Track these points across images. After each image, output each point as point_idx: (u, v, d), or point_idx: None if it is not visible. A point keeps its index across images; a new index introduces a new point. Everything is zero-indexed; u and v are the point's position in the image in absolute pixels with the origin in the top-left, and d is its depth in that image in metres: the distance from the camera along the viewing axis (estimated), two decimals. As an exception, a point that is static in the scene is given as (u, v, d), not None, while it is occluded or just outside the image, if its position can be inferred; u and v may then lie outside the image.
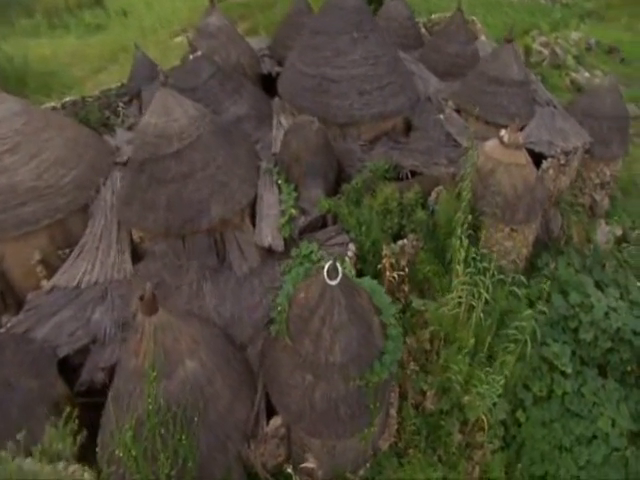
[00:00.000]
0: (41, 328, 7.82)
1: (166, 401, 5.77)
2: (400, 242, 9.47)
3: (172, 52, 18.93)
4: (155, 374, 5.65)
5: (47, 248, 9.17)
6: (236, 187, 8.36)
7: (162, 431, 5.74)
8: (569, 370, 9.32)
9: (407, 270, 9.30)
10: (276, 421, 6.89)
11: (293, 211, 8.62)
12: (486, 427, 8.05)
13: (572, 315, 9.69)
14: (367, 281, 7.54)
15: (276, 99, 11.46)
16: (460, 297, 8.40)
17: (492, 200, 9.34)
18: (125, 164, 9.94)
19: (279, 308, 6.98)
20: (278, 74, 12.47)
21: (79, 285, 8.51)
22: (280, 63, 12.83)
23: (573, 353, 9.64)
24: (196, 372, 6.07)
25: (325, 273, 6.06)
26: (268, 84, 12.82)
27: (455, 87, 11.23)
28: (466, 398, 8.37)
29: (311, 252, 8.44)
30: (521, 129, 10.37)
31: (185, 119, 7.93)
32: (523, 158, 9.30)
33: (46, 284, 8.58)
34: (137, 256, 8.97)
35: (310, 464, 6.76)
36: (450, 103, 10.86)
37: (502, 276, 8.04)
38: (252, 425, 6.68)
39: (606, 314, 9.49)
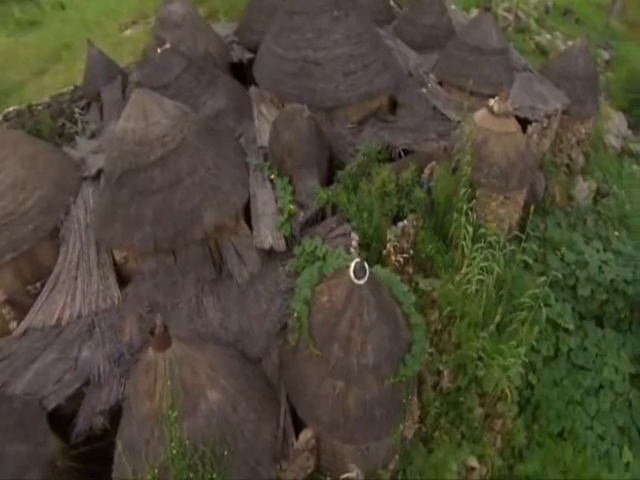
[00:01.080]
0: (20, 380, 6.54)
1: (191, 441, 4.95)
2: (401, 224, 8.91)
3: (123, 47, 16.89)
4: (176, 414, 4.77)
5: (13, 286, 7.68)
6: (229, 189, 7.33)
7: (190, 475, 4.92)
8: (572, 327, 9.29)
9: (411, 251, 8.81)
10: (307, 434, 6.23)
11: (292, 207, 7.77)
12: (510, 396, 7.84)
13: (569, 273, 9.59)
14: (381, 272, 6.92)
15: (252, 88, 10.34)
16: (470, 273, 8.03)
17: (488, 171, 8.89)
18: (95, 177, 8.59)
19: (296, 315, 6.30)
20: (250, 61, 11.26)
21: (59, 322, 7.14)
22: (250, 49, 11.51)
23: (572, 309, 9.62)
24: (220, 403, 5.29)
25: (352, 273, 5.41)
26: (239, 73, 11.56)
27: (434, 59, 10.52)
28: (483, 372, 8.13)
29: (315, 248, 7.67)
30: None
31: (166, 121, 6.76)
32: (513, 126, 8.84)
33: (17, 327, 7.29)
34: (122, 280, 7.66)
35: (353, 474, 6.25)
36: (432, 76, 10.17)
37: (513, 247, 7.67)
38: (280, 444, 6.00)
39: (600, 268, 9.45)
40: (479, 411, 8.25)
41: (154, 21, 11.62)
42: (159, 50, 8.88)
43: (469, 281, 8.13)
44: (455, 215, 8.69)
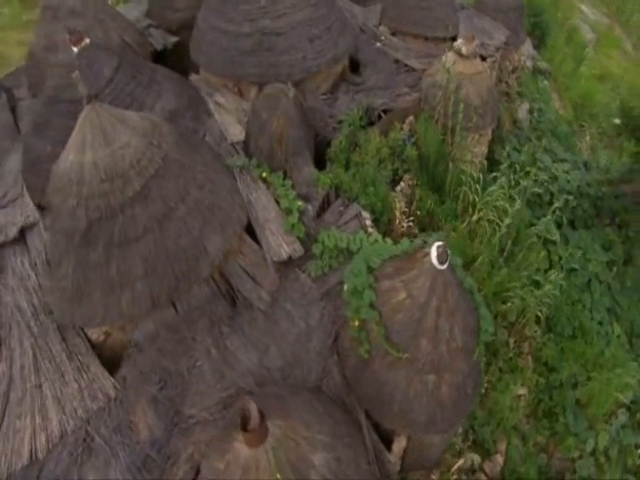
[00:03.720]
0: None
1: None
2: (399, 187, 7.79)
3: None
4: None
5: None
6: (228, 203, 5.37)
7: None
8: (557, 238, 9.21)
9: (416, 212, 7.80)
10: (401, 443, 5.23)
11: (300, 204, 6.13)
12: (543, 319, 7.52)
13: (544, 191, 9.38)
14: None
15: (193, 77, 8.01)
16: (483, 217, 7.28)
17: (465, 113, 7.95)
18: (19, 240, 5.99)
19: (357, 324, 5.05)
20: (177, 46, 8.71)
21: (34, 457, 4.56)
22: (172, 31, 8.83)
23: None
24: (325, 462, 3.92)
25: (435, 259, 4.33)
26: (168, 61, 8.96)
27: (377, 11, 8.97)
28: (504, 306, 7.69)
29: (337, 240, 6.29)
30: (454, 38, 8.86)
31: (137, 140, 4.53)
32: (480, 65, 7.87)
33: None
34: (109, 363, 5.27)
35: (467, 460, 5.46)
36: (382, 28, 8.68)
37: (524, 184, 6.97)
38: (376, 467, 4.92)
39: (567, 180, 9.34)
40: (511, 341, 7.95)
41: (39, 12, 8.24)
42: (75, 49, 6.06)
43: (480, 225, 7.44)
44: (450, 164, 7.77)
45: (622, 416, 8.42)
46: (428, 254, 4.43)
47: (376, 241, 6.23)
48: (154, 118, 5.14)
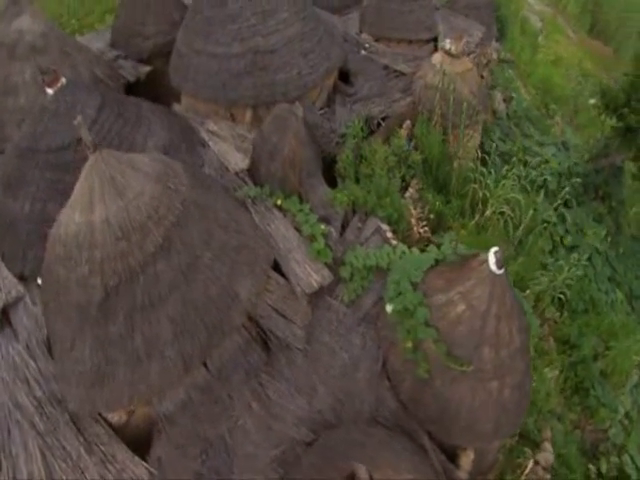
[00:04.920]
0: None
1: None
2: (408, 193, 7.32)
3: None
4: None
5: None
6: (253, 241, 4.67)
7: None
8: (555, 219, 9.08)
9: (429, 216, 7.36)
10: (469, 456, 4.75)
11: (322, 227, 5.51)
12: (562, 300, 7.27)
13: (537, 175, 9.22)
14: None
15: (177, 106, 7.20)
16: (495, 211, 6.94)
17: (460, 111, 7.60)
18: (0, 323, 4.83)
19: (409, 344, 4.54)
20: (150, 75, 7.84)
21: None
22: (143, 60, 7.97)
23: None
24: None
25: (493, 265, 4.06)
26: (140, 92, 8.03)
27: (355, 19, 8.48)
28: (523, 294, 7.41)
29: (365, 258, 5.70)
30: (435, 39, 8.53)
31: (152, 186, 3.76)
32: (469, 63, 7.56)
33: None
34: (133, 444, 4.29)
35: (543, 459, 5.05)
36: (364, 36, 8.18)
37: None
38: None
39: (558, 162, 9.21)
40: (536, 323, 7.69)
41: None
42: (50, 90, 5.10)
43: (491, 219, 7.10)
44: (455, 163, 7.38)
45: (635, 376, 8.36)
46: (485, 261, 4.14)
47: (404, 253, 5.72)
48: (164, 158, 4.37)
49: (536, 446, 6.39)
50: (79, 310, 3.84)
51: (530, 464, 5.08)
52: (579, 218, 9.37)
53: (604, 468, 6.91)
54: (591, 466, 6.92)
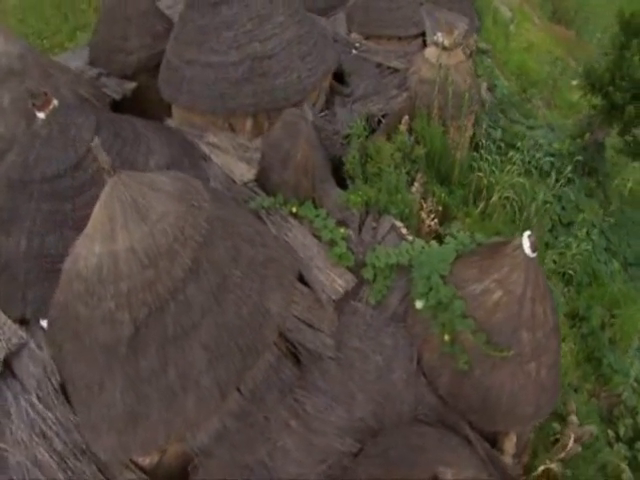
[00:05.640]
0: None
1: None
2: (413, 188, 7.16)
3: None
4: None
5: None
6: (278, 253, 4.40)
7: None
8: (552, 199, 9.08)
9: (437, 209, 7.23)
10: (512, 440, 4.65)
11: (342, 231, 5.27)
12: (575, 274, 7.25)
13: (531, 158, 9.21)
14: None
15: (170, 121, 6.79)
16: (501, 197, 6.84)
17: (456, 103, 7.46)
18: (2, 376, 4.19)
19: (447, 338, 4.38)
20: (136, 90, 7.38)
21: None
22: (127, 76, 7.47)
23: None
24: None
25: (528, 248, 3.99)
26: (125, 109, 7.54)
27: (342, 19, 8.23)
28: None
29: (386, 258, 5.48)
30: (423, 34, 8.38)
31: (175, 206, 3.41)
32: (461, 54, 7.45)
33: None
34: None
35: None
36: (354, 35, 7.95)
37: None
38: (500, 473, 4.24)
39: (549, 144, 9.23)
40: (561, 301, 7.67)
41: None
42: (41, 115, 4.61)
43: (496, 205, 7.01)
44: (458, 154, 7.25)
45: (638, 341, 8.47)
46: (520, 246, 4.05)
47: (422, 248, 5.54)
48: (182, 175, 4.01)
49: (562, 420, 6.34)
50: (106, 349, 3.43)
51: (571, 442, 4.96)
52: (573, 195, 9.44)
53: (622, 431, 6.96)
54: (610, 431, 6.94)
